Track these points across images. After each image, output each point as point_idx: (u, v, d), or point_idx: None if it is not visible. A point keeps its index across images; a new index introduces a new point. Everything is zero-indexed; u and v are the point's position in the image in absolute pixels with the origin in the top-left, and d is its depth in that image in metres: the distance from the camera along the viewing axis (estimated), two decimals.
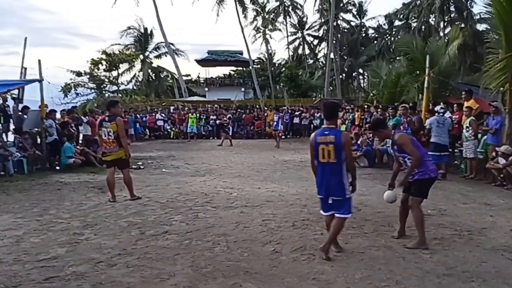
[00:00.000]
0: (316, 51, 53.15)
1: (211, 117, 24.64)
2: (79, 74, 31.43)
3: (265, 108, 28.03)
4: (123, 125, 7.71)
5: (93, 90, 32.30)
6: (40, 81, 11.81)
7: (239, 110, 27.09)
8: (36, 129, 12.23)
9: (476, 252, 4.89)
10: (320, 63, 52.38)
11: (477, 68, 26.16)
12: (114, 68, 32.81)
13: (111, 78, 33.22)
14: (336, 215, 4.69)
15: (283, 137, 22.36)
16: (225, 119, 21.98)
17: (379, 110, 13.93)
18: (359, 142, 12.45)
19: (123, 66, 34.45)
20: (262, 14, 45.65)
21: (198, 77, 47.73)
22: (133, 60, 35.43)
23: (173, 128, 24.52)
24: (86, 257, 4.74)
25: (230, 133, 21.07)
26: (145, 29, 39.92)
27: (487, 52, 11.54)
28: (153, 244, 5.23)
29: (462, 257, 4.74)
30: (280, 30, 48.88)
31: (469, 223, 6.16)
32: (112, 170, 7.76)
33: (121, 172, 7.82)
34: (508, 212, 6.80)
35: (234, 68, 53.00)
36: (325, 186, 4.66)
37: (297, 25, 50.03)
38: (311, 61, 53.38)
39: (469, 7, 37.21)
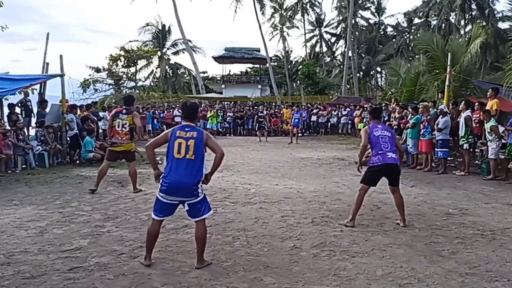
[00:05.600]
0: (334, 49, 52.89)
1: (228, 114, 24.70)
2: (98, 70, 31.95)
3: (281, 105, 27.98)
4: (139, 118, 8.20)
5: (111, 86, 32.77)
6: (62, 76, 12.00)
7: (255, 107, 27.07)
8: (56, 123, 12.42)
9: (500, 252, 4.81)
10: (338, 61, 52.09)
11: (498, 67, 25.71)
12: (132, 65, 33.27)
13: (129, 74, 33.68)
14: (199, 218, 4.29)
15: (300, 134, 22.31)
16: (261, 115, 22.03)
17: (398, 108, 13.74)
18: None
19: (141, 63, 34.98)
20: (280, 11, 45.53)
21: (223, 75, 47.89)
22: (151, 56, 35.85)
23: None
24: (109, 249, 4.82)
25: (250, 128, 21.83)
26: (163, 25, 40.22)
27: (511, 50, 11.33)
28: (174, 238, 5.29)
29: (485, 256, 4.67)
30: (297, 27, 48.80)
31: (491, 223, 6.06)
32: (109, 163, 8.16)
33: (128, 165, 8.13)
34: None
35: (251, 66, 53.03)
36: (177, 185, 4.12)
37: (314, 23, 49.83)
38: (328, 59, 53.11)
39: (491, 4, 36.51)
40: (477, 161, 11.09)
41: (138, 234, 5.40)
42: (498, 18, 35.78)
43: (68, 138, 12.14)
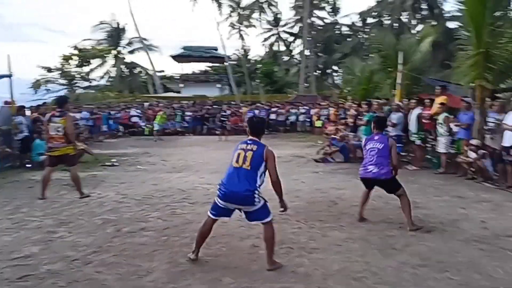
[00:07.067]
0: (291, 48, 53.40)
1: (187, 113, 24.47)
2: (49, 70, 30.79)
3: (241, 104, 28.01)
4: (72, 121, 7.84)
5: (64, 86, 31.69)
6: (9, 76, 11.49)
7: (215, 106, 26.91)
8: (6, 126, 11.87)
9: (450, 243, 5.02)
10: (295, 59, 52.64)
11: (448, 65, 26.76)
12: (85, 64, 32.30)
13: (82, 74, 32.67)
14: (263, 221, 4.40)
15: None
16: (224, 114, 21.74)
17: (353, 106, 14.07)
18: (337, 137, 12.52)
19: (95, 62, 34.01)
20: (238, 11, 45.52)
21: (181, 74, 47.19)
22: (105, 55, 34.94)
23: (148, 125, 24.18)
24: (61, 255, 4.65)
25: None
26: (118, 24, 39.32)
27: (458, 49, 11.81)
28: (130, 241, 5.17)
29: (436, 248, 4.85)
30: (255, 26, 48.92)
31: (442, 215, 6.31)
32: (51, 169, 7.75)
33: (69, 170, 7.86)
34: (479, 204, 7.00)
35: (210, 64, 52.69)
36: (232, 194, 4.22)
37: (272, 22, 50.12)
38: (286, 58, 53.57)
39: (439, 5, 37.97)
40: (428, 156, 11.49)
41: (92, 239, 5.24)
42: (446, 18, 37.21)
43: (18, 141, 11.60)
